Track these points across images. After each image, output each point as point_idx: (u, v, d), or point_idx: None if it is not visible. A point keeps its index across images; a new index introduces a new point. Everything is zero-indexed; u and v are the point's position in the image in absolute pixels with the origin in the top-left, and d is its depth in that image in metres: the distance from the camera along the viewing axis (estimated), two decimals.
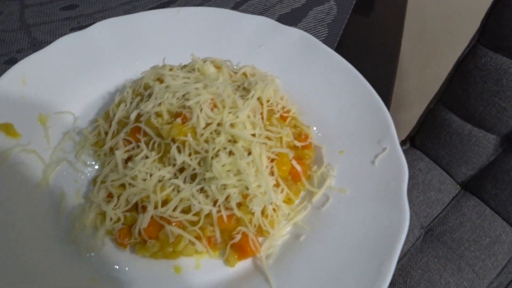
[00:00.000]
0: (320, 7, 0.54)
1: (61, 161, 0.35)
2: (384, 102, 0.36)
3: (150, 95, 0.33)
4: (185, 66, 0.37)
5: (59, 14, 0.53)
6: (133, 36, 0.43)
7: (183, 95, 0.32)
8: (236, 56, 0.42)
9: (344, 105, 0.37)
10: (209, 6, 0.52)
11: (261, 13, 0.53)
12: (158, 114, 0.31)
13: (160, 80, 0.34)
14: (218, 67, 0.37)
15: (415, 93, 0.92)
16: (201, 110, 0.30)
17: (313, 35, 0.45)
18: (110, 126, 0.34)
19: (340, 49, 0.49)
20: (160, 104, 0.31)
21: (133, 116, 0.32)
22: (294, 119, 0.37)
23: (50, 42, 0.47)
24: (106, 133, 0.34)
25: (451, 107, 0.67)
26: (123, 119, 0.33)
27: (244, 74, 0.39)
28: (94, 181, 0.33)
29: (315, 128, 0.37)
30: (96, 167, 0.35)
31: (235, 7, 0.54)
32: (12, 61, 0.46)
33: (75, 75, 0.40)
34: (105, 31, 0.42)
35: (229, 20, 0.45)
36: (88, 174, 0.34)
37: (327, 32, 0.50)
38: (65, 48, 0.40)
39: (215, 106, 0.32)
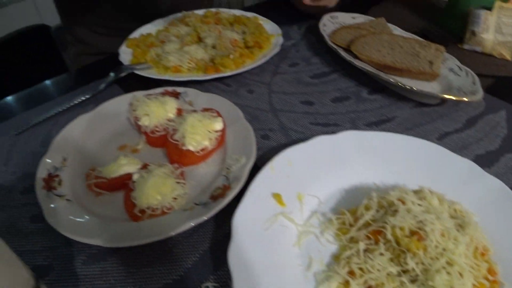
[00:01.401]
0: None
1: (310, 233, 0.53)
2: None
3: (394, 211, 0.50)
4: (415, 191, 0.54)
5: (300, 107, 0.75)
6: (366, 149, 0.62)
7: (420, 220, 0.48)
8: (439, 189, 0.57)
9: None
10: (415, 134, 0.68)
11: (459, 149, 0.67)
12: (401, 228, 0.48)
13: (402, 201, 0.51)
14: (439, 199, 0.53)
15: None
16: (433, 236, 0.47)
17: (503, 181, 0.57)
18: (355, 220, 0.52)
19: None
20: (403, 221, 0.48)
21: (381, 223, 0.49)
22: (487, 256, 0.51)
23: (294, 129, 0.68)
24: (350, 224, 0.52)
25: None
26: (368, 220, 0.51)
27: (455, 209, 0.54)
28: (335, 257, 0.50)
29: (500, 266, 0.51)
30: (335, 246, 0.52)
31: (439, 138, 0.70)
32: (266, 137, 0.67)
33: (322, 168, 0.59)
34: (349, 140, 0.62)
35: (438, 155, 0.61)
36: (330, 249, 0.52)
37: None
38: (318, 145, 0.60)
39: (442, 234, 0.48)
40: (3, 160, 0.68)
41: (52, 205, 0.54)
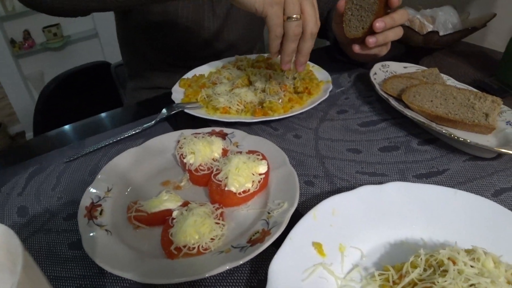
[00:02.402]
0: None
1: None
2: None
3: (443, 271, 0.46)
4: (468, 251, 0.50)
5: (346, 155, 0.72)
6: (415, 202, 0.58)
7: (473, 284, 0.44)
8: (494, 250, 0.52)
9: None
10: (468, 189, 0.64)
11: None
12: None
13: (452, 261, 0.47)
14: (495, 262, 0.49)
15: None
16: None
17: None
18: (400, 278, 0.48)
19: None
20: (453, 283, 0.44)
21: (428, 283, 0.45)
22: None
23: (340, 176, 0.66)
24: (394, 282, 0.48)
25: None
26: (414, 279, 0.47)
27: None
28: None
29: None
30: None
31: (494, 195, 0.65)
32: (310, 183, 0.65)
33: (367, 219, 0.56)
34: (396, 192, 0.58)
35: (493, 214, 0.56)
36: None
37: None
38: (363, 195, 0.57)
39: None
40: (51, 185, 0.71)
41: (91, 234, 0.54)
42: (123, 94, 1.55)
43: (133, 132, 0.81)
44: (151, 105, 0.97)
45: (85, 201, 0.60)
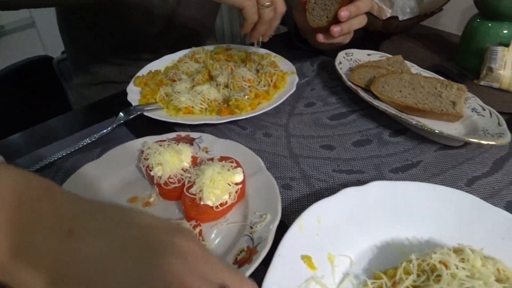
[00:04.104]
0: None
1: None
2: None
3: (437, 276, 0.45)
4: (456, 250, 0.49)
5: (320, 152, 0.70)
6: (396, 201, 0.57)
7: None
8: (475, 244, 0.52)
9: None
10: (443, 180, 0.64)
11: (490, 196, 0.63)
12: None
13: (444, 264, 0.46)
14: (482, 259, 0.48)
15: None
16: None
17: None
18: (393, 285, 0.46)
19: None
20: None
21: None
22: None
23: (316, 177, 0.64)
24: None
25: None
26: (409, 286, 0.46)
27: (498, 269, 0.49)
28: None
29: None
30: None
31: (467, 184, 0.65)
32: (287, 187, 0.62)
33: (351, 223, 0.54)
34: (378, 192, 0.57)
35: (475, 209, 0.57)
36: None
37: None
38: (346, 199, 0.55)
39: None
40: None
41: None
42: (69, 91, 1.44)
43: (89, 141, 0.74)
44: (105, 107, 0.90)
45: None
